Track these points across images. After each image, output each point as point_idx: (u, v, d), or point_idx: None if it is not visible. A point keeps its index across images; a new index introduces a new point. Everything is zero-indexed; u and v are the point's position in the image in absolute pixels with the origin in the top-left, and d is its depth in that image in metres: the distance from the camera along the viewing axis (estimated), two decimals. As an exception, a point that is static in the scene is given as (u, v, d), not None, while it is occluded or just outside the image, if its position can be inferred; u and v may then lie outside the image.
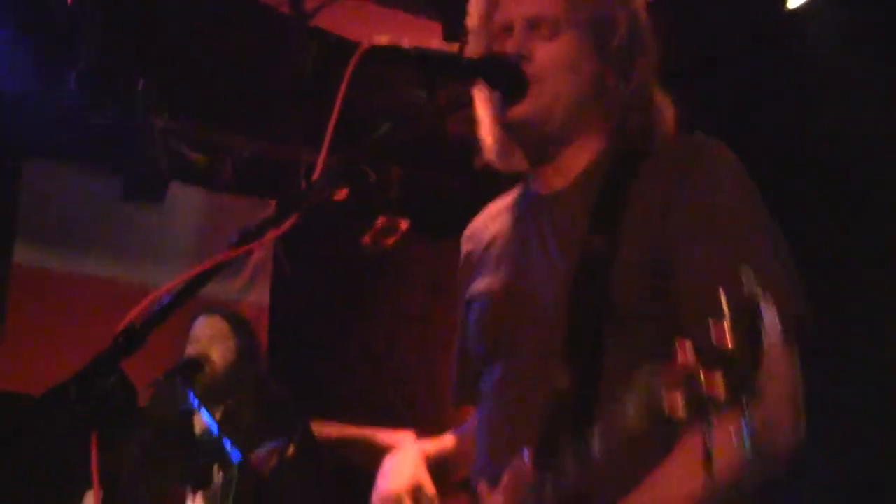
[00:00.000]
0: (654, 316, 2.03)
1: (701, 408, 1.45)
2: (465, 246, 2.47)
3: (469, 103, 2.39)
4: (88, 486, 4.37)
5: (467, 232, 2.49)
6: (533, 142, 2.25)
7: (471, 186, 2.64)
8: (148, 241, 7.13)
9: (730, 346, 1.41)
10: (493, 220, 2.42)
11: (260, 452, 4.30)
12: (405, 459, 2.38)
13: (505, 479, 1.97)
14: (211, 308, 4.95)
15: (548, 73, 2.15)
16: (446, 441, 2.53)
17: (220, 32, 6.11)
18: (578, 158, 2.23)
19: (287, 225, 1.94)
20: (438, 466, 2.41)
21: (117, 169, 6.83)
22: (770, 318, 1.40)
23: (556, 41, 2.16)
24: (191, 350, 4.77)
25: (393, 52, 2.04)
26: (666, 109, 2.25)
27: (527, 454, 1.92)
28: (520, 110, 2.17)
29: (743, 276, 1.42)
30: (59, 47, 5.88)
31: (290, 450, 4.29)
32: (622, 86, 2.20)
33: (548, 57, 2.15)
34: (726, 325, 1.42)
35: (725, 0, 5.39)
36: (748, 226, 2.04)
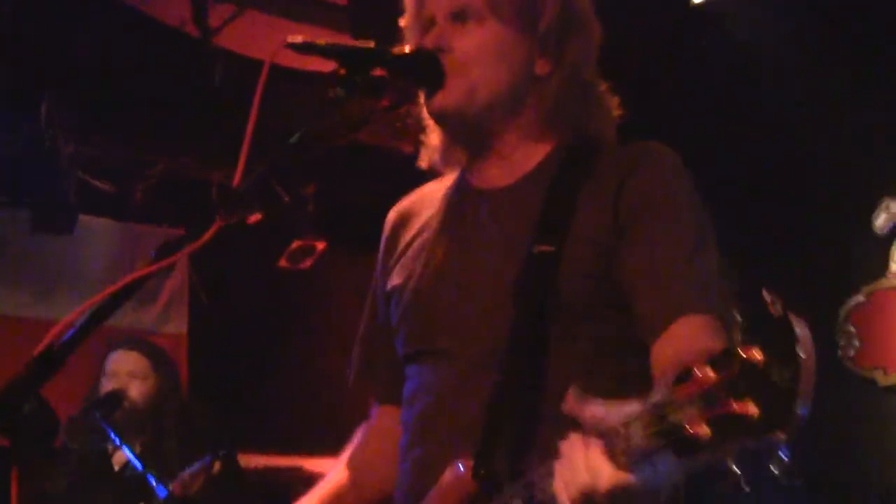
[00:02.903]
0: (600, 318, 2.00)
1: (729, 428, 1.31)
2: (392, 224, 2.35)
3: (381, 112, 2.31)
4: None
5: (396, 210, 2.37)
6: (460, 131, 2.18)
7: (388, 197, 2.55)
8: (59, 273, 6.96)
9: (759, 360, 1.29)
10: (424, 204, 2.32)
11: (184, 474, 4.20)
12: None
13: (436, 491, 1.88)
14: (128, 342, 4.84)
15: (469, 62, 2.09)
16: (337, 478, 2.41)
17: (124, 55, 5.99)
18: (524, 156, 2.16)
19: (208, 235, 1.86)
20: None
21: (24, 201, 6.68)
22: (803, 332, 1.29)
23: (477, 30, 2.10)
24: (107, 385, 4.68)
25: (309, 47, 1.98)
26: (606, 99, 2.21)
27: (462, 465, 1.82)
28: (439, 100, 2.10)
29: (765, 294, 1.33)
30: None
31: (216, 467, 4.20)
32: (556, 72, 2.13)
33: (468, 46, 2.09)
34: (752, 343, 1.30)
35: (629, 2, 5.40)
36: (694, 227, 2.04)
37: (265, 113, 1.94)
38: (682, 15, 5.30)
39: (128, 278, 1.82)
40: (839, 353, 5.58)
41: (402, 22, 2.24)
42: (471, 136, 2.17)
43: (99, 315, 1.79)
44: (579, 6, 2.19)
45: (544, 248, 2.00)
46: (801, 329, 1.30)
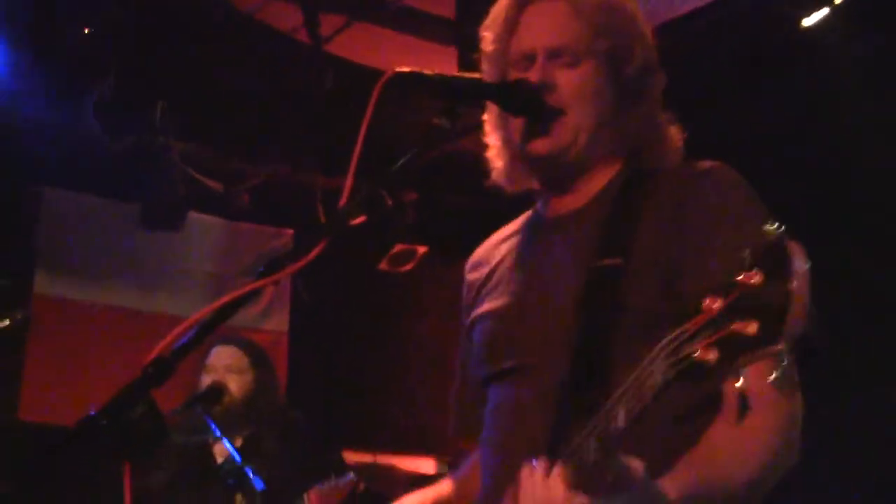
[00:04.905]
0: (664, 314, 2.02)
1: (732, 347, 1.43)
2: (469, 274, 2.44)
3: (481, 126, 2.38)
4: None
5: (471, 260, 2.46)
6: (552, 173, 2.26)
7: (485, 207, 2.60)
8: (166, 269, 7.13)
9: (757, 282, 1.40)
10: (497, 246, 2.40)
11: (323, 487, 4.30)
12: None
13: (516, 486, 1.89)
14: (228, 338, 4.92)
15: (570, 103, 2.16)
16: (443, 487, 2.48)
17: (236, 59, 6.12)
18: (593, 182, 2.24)
19: (313, 254, 1.93)
20: None
21: (135, 197, 6.86)
22: (797, 253, 1.40)
23: (577, 70, 2.17)
24: (206, 379, 4.74)
25: (417, 77, 2.04)
26: (670, 127, 2.27)
27: (536, 461, 1.85)
28: (541, 145, 2.18)
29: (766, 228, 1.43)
30: (77, 75, 5.91)
31: (360, 487, 4.30)
32: (634, 110, 2.22)
33: (570, 86, 2.16)
34: (752, 269, 1.41)
35: (740, 22, 5.38)
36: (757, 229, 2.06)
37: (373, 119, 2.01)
38: (790, 36, 5.26)
39: (236, 293, 1.89)
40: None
41: (486, 46, 2.29)
42: (560, 176, 2.25)
43: (207, 327, 1.86)
44: (652, 48, 2.27)
45: (609, 261, 2.05)
46: (794, 249, 1.41)
